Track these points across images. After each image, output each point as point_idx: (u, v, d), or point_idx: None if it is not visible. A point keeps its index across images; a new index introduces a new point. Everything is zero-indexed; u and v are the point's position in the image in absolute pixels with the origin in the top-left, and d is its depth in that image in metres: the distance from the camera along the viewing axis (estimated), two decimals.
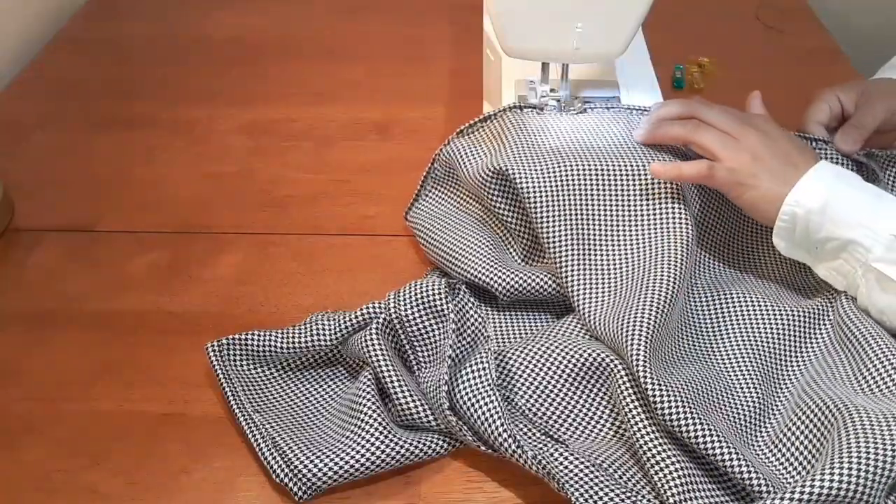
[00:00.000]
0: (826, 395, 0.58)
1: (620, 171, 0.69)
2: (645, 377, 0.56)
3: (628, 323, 0.60)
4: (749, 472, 0.53)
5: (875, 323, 0.62)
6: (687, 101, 0.71)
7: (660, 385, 0.55)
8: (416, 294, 0.63)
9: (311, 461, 0.57)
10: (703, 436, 0.54)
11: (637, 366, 0.57)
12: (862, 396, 0.58)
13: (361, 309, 0.64)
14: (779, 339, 0.65)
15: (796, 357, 0.65)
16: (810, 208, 0.62)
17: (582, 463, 0.56)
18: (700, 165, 0.66)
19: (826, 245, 0.62)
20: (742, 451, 0.54)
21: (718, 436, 0.54)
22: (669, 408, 0.55)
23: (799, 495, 0.49)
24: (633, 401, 0.57)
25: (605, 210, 0.68)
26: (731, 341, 0.65)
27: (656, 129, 0.71)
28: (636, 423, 0.56)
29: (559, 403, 0.61)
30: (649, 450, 0.55)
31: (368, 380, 0.60)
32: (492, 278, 0.68)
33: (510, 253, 0.72)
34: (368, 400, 0.59)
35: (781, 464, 0.58)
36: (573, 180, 0.68)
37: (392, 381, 0.60)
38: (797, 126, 0.74)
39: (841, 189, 0.62)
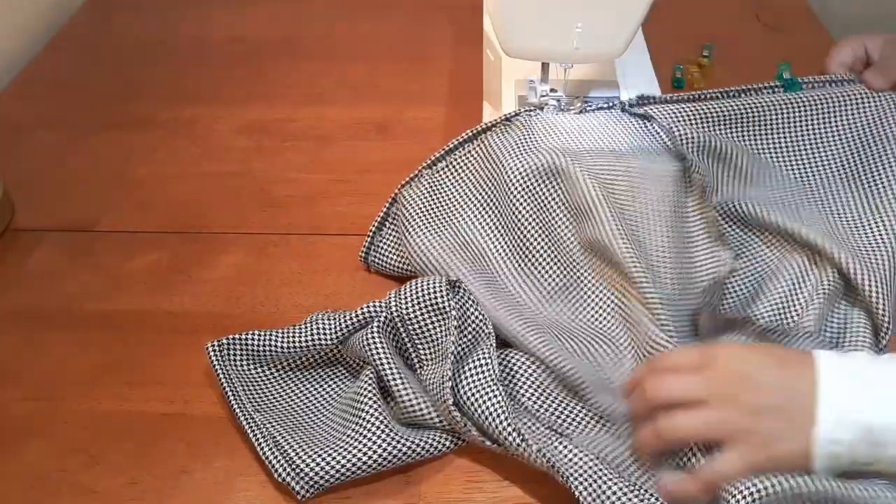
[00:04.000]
0: None
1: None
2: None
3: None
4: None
5: None
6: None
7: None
8: (417, 292, 0.63)
9: (313, 459, 0.57)
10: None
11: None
12: None
13: (362, 308, 0.64)
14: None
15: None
16: (850, 441, 0.49)
17: (587, 457, 0.56)
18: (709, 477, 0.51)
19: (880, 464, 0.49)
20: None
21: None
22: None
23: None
24: None
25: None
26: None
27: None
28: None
29: (562, 401, 0.61)
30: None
31: (369, 378, 0.60)
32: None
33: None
34: (369, 398, 0.59)
35: None
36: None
37: (394, 379, 0.60)
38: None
39: (870, 397, 0.49)
